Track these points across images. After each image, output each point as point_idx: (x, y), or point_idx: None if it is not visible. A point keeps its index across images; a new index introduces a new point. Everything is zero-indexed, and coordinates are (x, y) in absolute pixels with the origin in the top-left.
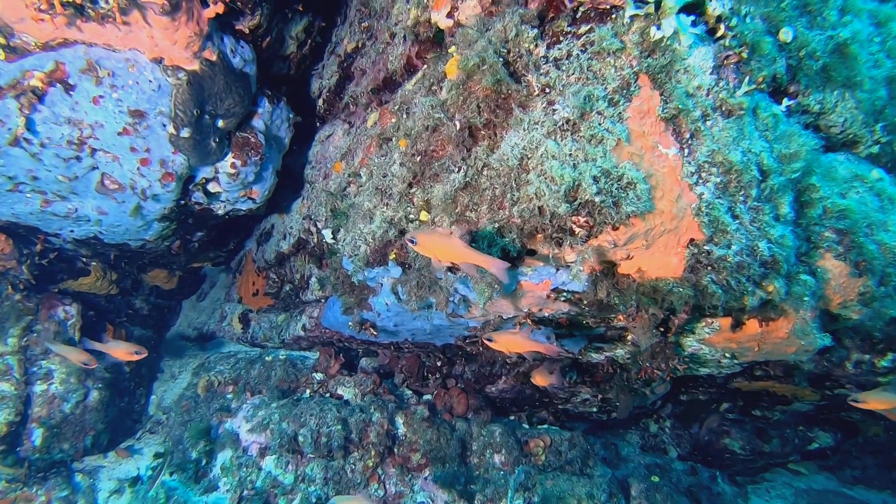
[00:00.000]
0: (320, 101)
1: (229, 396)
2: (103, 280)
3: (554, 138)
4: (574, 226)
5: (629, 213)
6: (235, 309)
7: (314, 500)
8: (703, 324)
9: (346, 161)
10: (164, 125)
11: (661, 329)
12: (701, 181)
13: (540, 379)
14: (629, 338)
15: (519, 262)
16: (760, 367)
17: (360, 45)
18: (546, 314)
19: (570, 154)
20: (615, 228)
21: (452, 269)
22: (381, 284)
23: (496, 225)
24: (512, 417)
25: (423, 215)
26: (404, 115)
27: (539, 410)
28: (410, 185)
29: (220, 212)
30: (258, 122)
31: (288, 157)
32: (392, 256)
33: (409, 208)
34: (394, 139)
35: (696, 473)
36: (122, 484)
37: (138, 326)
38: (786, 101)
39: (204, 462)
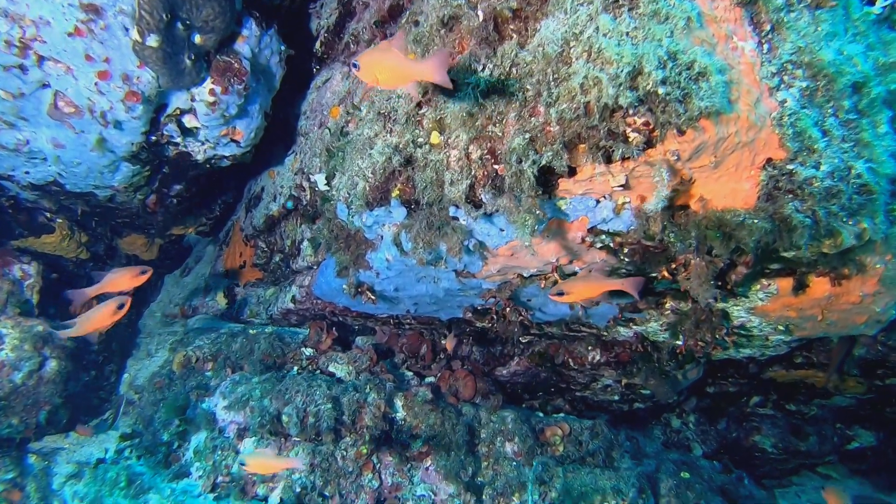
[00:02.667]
0: (318, 44)
1: (208, 374)
2: (70, 241)
3: (608, 13)
4: (629, 129)
5: (701, 111)
6: (221, 283)
7: (298, 490)
8: (759, 286)
9: (344, 105)
10: (127, 29)
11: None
12: (784, 85)
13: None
14: (667, 304)
15: (552, 188)
16: (802, 353)
17: None
18: (577, 268)
19: (628, 33)
20: (681, 133)
21: (473, 200)
22: (381, 237)
23: (526, 137)
24: (524, 405)
25: (434, 137)
26: (412, 27)
27: (554, 398)
28: (419, 105)
29: (200, 157)
30: (243, 47)
31: (280, 110)
32: (395, 193)
33: (417, 131)
34: None
35: (731, 471)
36: (83, 468)
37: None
38: (881, 2)
39: (176, 445)
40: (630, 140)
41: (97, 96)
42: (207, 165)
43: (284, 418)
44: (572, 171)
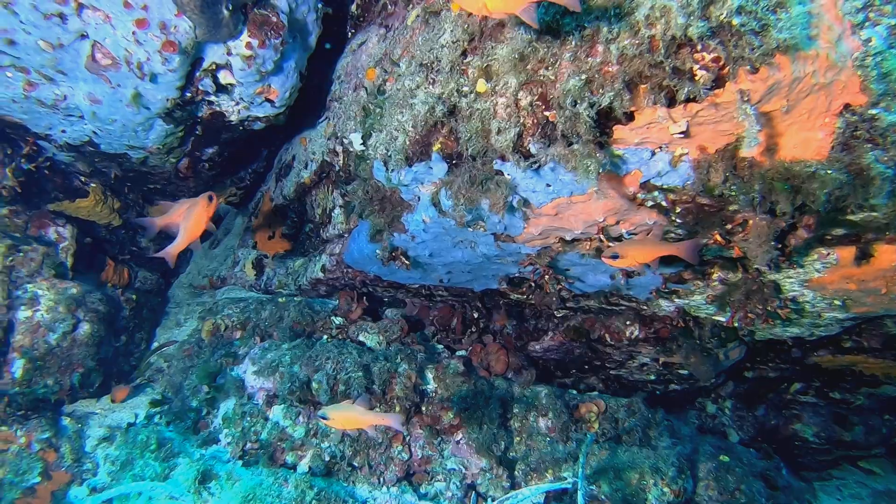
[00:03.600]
0: (354, 6)
1: (237, 342)
2: (103, 206)
3: None
4: (696, 66)
5: (778, 44)
6: (249, 254)
7: (328, 459)
8: (816, 256)
9: (380, 67)
10: None
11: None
12: (869, 22)
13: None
14: (714, 275)
15: (606, 136)
16: (853, 336)
17: None
18: (623, 231)
19: None
20: (754, 70)
21: (521, 150)
22: (418, 198)
23: (582, 78)
24: (556, 383)
25: (481, 85)
26: None
27: (588, 376)
28: (464, 54)
29: (234, 118)
30: (281, 1)
31: (313, 76)
32: (437, 147)
33: (461, 80)
34: (443, 11)
35: (771, 458)
36: (114, 432)
37: (143, 268)
38: None
39: (205, 412)
40: (697, 78)
41: (134, 46)
42: (241, 128)
43: (314, 385)
44: (629, 118)
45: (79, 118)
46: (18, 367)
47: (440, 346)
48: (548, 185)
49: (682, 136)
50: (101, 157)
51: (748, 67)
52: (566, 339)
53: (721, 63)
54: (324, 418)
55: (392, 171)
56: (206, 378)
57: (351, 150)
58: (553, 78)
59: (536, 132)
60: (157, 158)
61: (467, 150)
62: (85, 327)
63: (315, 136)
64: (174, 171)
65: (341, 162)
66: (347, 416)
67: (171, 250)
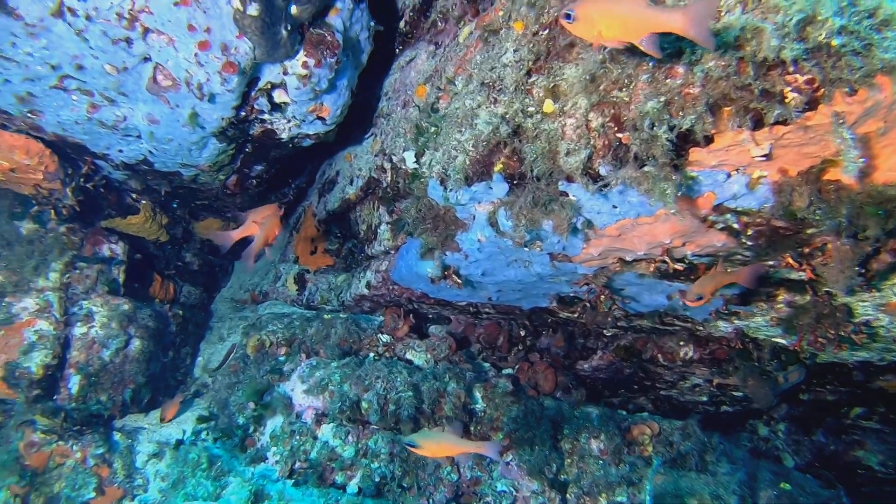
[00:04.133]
0: (402, 23)
1: (282, 358)
2: (153, 222)
3: None
4: (787, 88)
5: (883, 64)
6: (291, 269)
7: (378, 479)
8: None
9: (431, 84)
10: None
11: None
12: None
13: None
14: (780, 297)
15: (682, 159)
16: None
17: None
18: (688, 252)
19: None
20: (853, 92)
21: (590, 172)
22: (474, 217)
23: (661, 100)
24: (604, 402)
25: (548, 105)
26: None
27: (637, 396)
28: (529, 74)
29: (285, 135)
30: (336, 20)
31: (359, 93)
32: (498, 167)
33: (527, 100)
34: (503, 30)
35: (834, 486)
36: (163, 448)
37: (187, 282)
38: None
39: (252, 429)
40: (788, 101)
41: (195, 68)
42: (290, 145)
43: (364, 405)
44: (707, 141)
45: (136, 138)
46: (75, 383)
47: (487, 365)
48: (614, 207)
49: (763, 158)
50: (154, 174)
51: (846, 89)
52: (616, 359)
53: (815, 85)
54: (412, 446)
55: (450, 190)
56: (254, 396)
57: (402, 167)
58: (627, 99)
59: (608, 154)
60: (207, 176)
61: (531, 170)
62: (136, 343)
63: (360, 151)
64: (222, 187)
65: (389, 179)
66: (440, 445)
67: (248, 255)
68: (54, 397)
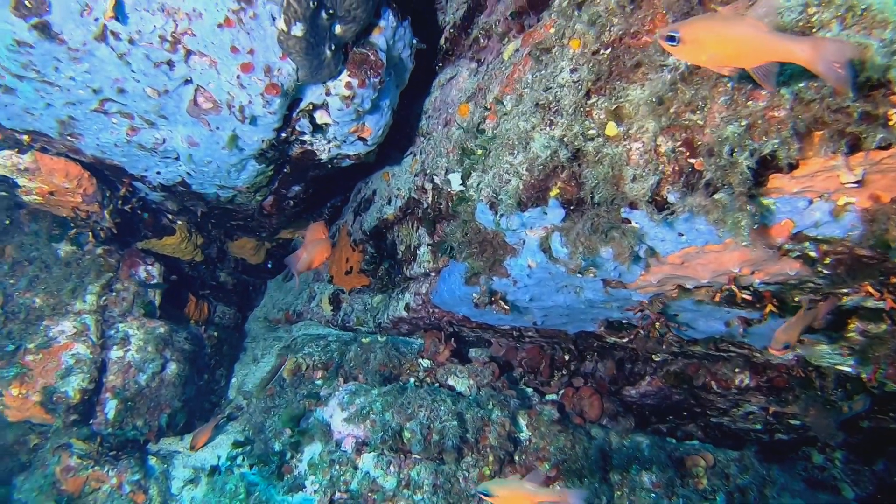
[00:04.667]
0: (442, 40)
1: (318, 382)
2: (188, 243)
3: None
4: (892, 109)
5: None
6: (325, 289)
7: None
8: None
9: (474, 102)
10: (274, 17)
11: None
12: None
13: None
14: (852, 326)
15: (762, 186)
16: None
17: None
18: (757, 281)
19: None
20: None
21: (658, 200)
22: (523, 241)
23: (742, 124)
24: (651, 429)
25: (611, 128)
26: (576, 11)
27: (686, 423)
28: (588, 95)
29: (324, 157)
30: (379, 39)
31: (398, 110)
32: (554, 192)
33: (587, 122)
34: (556, 48)
35: None
36: (199, 473)
37: (221, 302)
38: None
39: (289, 455)
40: (892, 124)
41: (237, 90)
42: (329, 165)
43: (406, 434)
44: (791, 167)
45: (174, 160)
46: (111, 407)
47: (529, 390)
48: (680, 235)
49: (856, 185)
50: (191, 196)
51: None
52: (665, 385)
53: None
54: (486, 495)
55: (501, 215)
56: (290, 422)
57: (446, 188)
58: (701, 123)
59: (678, 181)
60: (244, 197)
61: (591, 196)
62: (172, 367)
63: (399, 171)
64: (258, 207)
65: (430, 199)
66: (517, 495)
67: (299, 266)
68: (91, 422)
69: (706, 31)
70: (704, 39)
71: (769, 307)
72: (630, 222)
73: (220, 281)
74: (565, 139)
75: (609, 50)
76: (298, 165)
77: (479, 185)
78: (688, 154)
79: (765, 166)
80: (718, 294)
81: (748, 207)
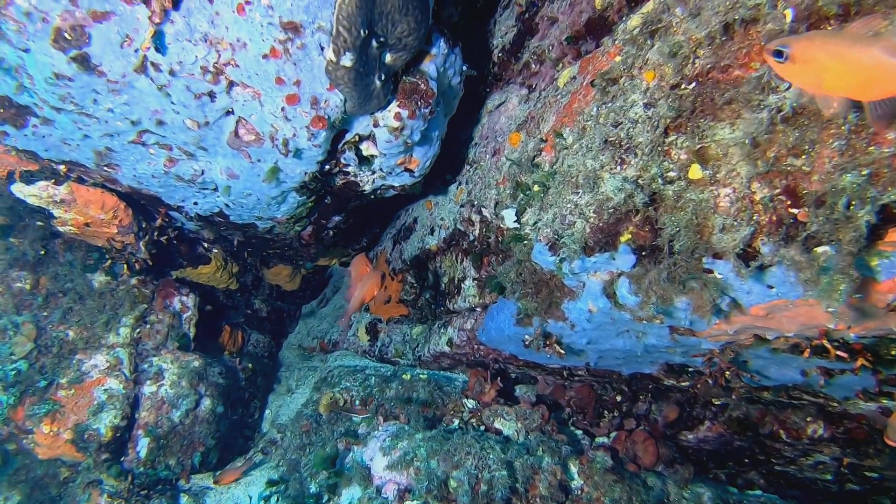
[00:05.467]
0: (490, 64)
1: (356, 419)
2: (223, 271)
3: None
4: None
5: None
6: (363, 318)
7: None
8: None
9: (526, 131)
10: (322, 48)
11: None
12: None
13: None
14: None
15: (876, 240)
16: None
17: None
18: (852, 335)
19: None
20: None
21: (750, 252)
22: (584, 285)
23: (864, 173)
24: (709, 476)
25: (694, 171)
26: (648, 40)
27: (747, 470)
28: (666, 132)
29: (367, 188)
30: (430, 67)
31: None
32: (625, 238)
33: (666, 163)
34: (624, 79)
35: None
36: None
37: (255, 330)
38: None
39: (326, 498)
40: None
41: (282, 122)
42: (372, 196)
43: (453, 483)
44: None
45: (212, 191)
46: (143, 446)
47: (579, 432)
48: (770, 288)
49: None
50: (228, 226)
51: None
52: (727, 431)
53: None
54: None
55: (563, 259)
56: (326, 464)
57: (495, 222)
58: (808, 169)
59: (775, 232)
60: (282, 227)
61: (669, 244)
62: (206, 403)
63: (443, 200)
64: (297, 237)
65: (477, 232)
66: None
67: (353, 306)
68: (122, 459)
69: (825, 49)
70: (821, 59)
71: (861, 361)
72: (713, 272)
73: (254, 308)
74: (640, 181)
75: (693, 85)
76: (340, 196)
77: (536, 223)
78: (789, 203)
79: (885, 219)
80: (808, 349)
81: (852, 272)
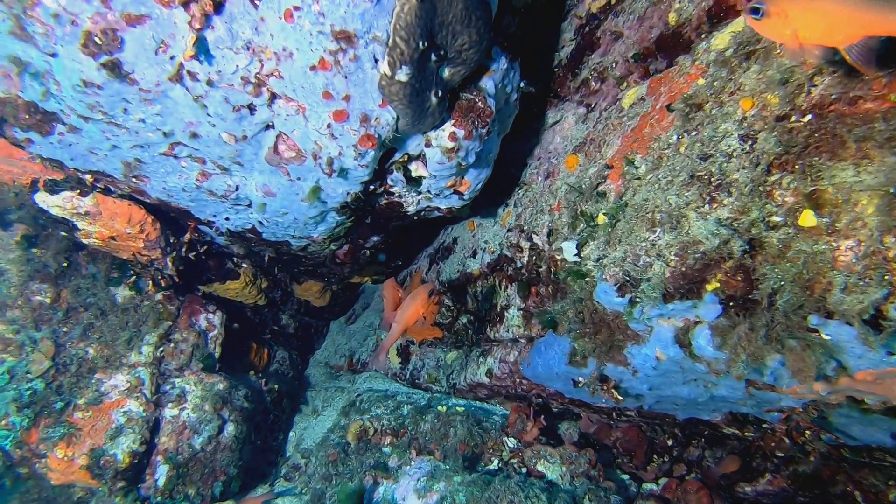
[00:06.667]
0: (544, 80)
1: (386, 451)
2: (252, 287)
3: None
4: None
5: None
6: None
7: None
8: None
9: (584, 154)
10: (376, 60)
11: None
12: None
13: None
14: None
15: None
16: None
17: (612, 2)
18: None
19: None
20: None
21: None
22: (651, 329)
23: None
24: None
25: (807, 218)
26: (743, 62)
27: None
28: (768, 170)
29: (411, 209)
30: (488, 83)
31: None
32: (712, 286)
33: (769, 206)
34: (710, 105)
35: None
36: None
37: (282, 346)
38: None
39: None
40: None
41: (327, 140)
42: (415, 217)
43: None
44: None
45: (246, 207)
46: (162, 473)
47: (625, 476)
48: (890, 354)
49: None
50: (261, 242)
51: None
52: (790, 487)
53: None
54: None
55: (636, 304)
56: (353, 500)
57: (552, 253)
58: None
59: None
60: (317, 246)
61: (769, 299)
62: (230, 428)
63: (486, 221)
64: (331, 256)
65: (526, 260)
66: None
67: (393, 335)
68: (139, 485)
69: (795, 2)
70: (792, 12)
71: None
72: (818, 332)
73: (281, 324)
74: (736, 224)
75: (808, 117)
76: (381, 216)
77: (600, 259)
78: None
79: None
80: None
81: None
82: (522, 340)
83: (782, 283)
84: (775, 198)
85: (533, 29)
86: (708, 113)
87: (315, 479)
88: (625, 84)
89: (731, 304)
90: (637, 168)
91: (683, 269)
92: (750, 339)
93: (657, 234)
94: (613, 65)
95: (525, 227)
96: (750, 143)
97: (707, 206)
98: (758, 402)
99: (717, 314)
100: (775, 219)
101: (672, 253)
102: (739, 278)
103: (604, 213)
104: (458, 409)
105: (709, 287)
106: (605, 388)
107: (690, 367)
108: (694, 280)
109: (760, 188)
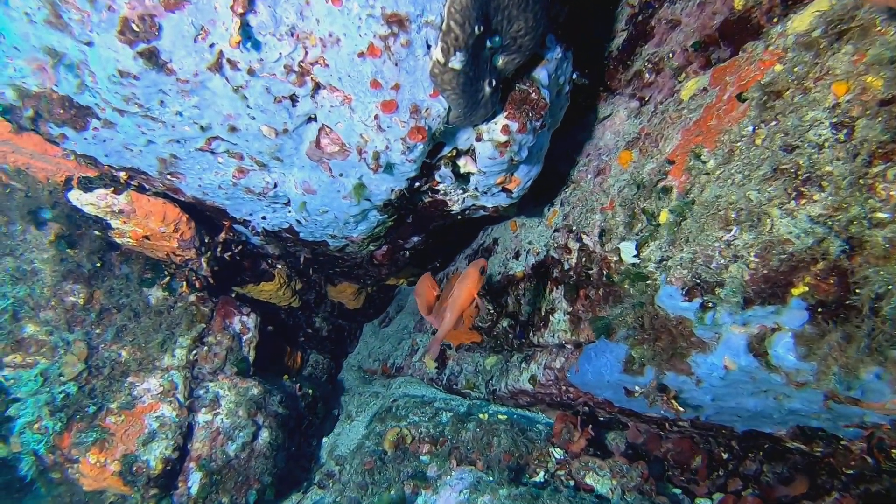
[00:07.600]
0: (593, 72)
1: (425, 459)
2: (286, 288)
3: None
4: None
5: None
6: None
7: None
8: None
9: (639, 150)
10: (429, 45)
11: None
12: None
13: None
14: None
15: None
16: None
17: None
18: None
19: None
20: None
21: None
22: (720, 336)
23: None
24: None
25: None
26: (835, 43)
27: None
28: (870, 161)
29: (456, 208)
30: (542, 73)
31: None
32: (800, 290)
33: (870, 201)
34: (793, 92)
35: None
36: None
37: (315, 349)
38: None
39: None
40: None
41: (373, 133)
42: (459, 217)
43: None
44: None
45: (284, 205)
46: (195, 481)
47: (678, 491)
48: None
49: None
50: (297, 242)
51: None
52: None
53: None
54: None
55: (709, 309)
56: None
57: (609, 257)
58: None
59: None
60: (356, 246)
61: (870, 305)
62: (265, 435)
63: (531, 222)
64: (369, 256)
65: (574, 261)
66: None
67: (441, 333)
68: (172, 492)
69: None
70: None
71: None
72: None
73: (315, 327)
74: (831, 222)
75: None
76: (423, 215)
77: (663, 260)
78: None
79: None
80: None
81: None
82: (569, 346)
83: (889, 286)
84: (878, 192)
85: (581, 18)
86: (790, 101)
87: (350, 488)
88: (683, 75)
89: (820, 310)
90: (704, 162)
91: (766, 271)
92: (844, 349)
93: (733, 233)
94: (670, 55)
95: (574, 227)
96: (845, 131)
97: (794, 202)
98: (835, 416)
99: (804, 321)
100: (880, 215)
101: (752, 254)
102: (832, 282)
103: (668, 211)
104: (500, 416)
105: (795, 291)
106: (664, 398)
107: (764, 378)
108: (777, 283)
109: (860, 181)
